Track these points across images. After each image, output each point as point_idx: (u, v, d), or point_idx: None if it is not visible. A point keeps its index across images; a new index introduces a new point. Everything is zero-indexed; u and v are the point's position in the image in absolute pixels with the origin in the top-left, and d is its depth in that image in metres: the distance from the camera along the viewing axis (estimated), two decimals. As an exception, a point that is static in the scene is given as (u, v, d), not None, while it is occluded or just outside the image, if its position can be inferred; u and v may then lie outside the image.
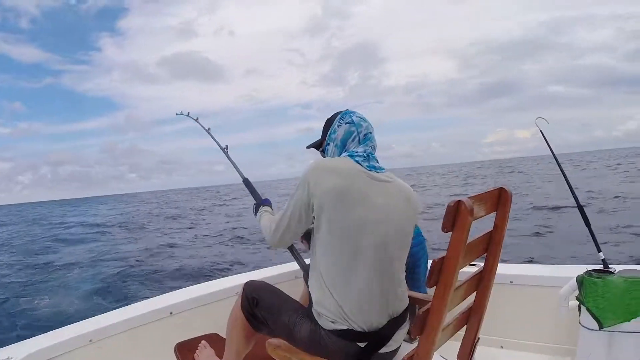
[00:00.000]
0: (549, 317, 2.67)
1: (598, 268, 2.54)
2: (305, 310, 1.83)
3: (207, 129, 3.05)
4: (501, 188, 1.57)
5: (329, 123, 1.93)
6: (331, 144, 1.88)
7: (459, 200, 1.28)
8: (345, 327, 1.65)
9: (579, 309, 2.46)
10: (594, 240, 2.68)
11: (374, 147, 1.84)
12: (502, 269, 2.85)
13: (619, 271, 2.44)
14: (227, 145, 2.92)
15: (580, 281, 2.43)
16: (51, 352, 2.29)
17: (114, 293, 10.53)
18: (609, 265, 2.55)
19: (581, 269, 2.54)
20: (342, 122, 1.85)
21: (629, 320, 2.27)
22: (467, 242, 1.43)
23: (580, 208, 2.77)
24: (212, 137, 3.00)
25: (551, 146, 2.97)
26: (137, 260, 14.60)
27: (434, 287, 1.33)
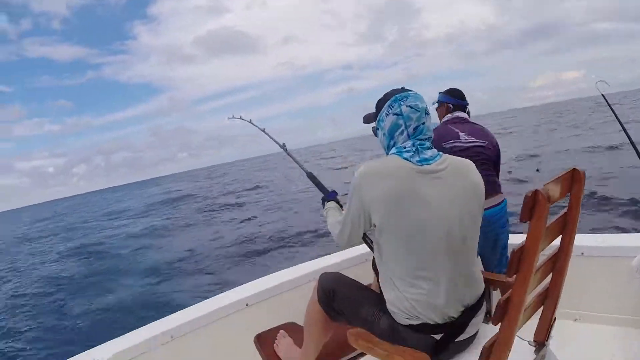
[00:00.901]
0: (623, 289, 2.62)
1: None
2: (381, 302, 1.83)
3: (262, 129, 3.04)
4: (574, 169, 1.54)
5: (380, 104, 1.84)
6: (380, 130, 1.82)
7: (537, 190, 1.27)
8: (419, 323, 1.67)
9: (655, 279, 2.41)
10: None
11: (426, 140, 1.74)
12: None
13: None
14: (284, 143, 2.92)
15: (655, 252, 2.37)
16: (134, 352, 2.38)
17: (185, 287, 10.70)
18: None
19: None
20: (390, 111, 1.75)
21: None
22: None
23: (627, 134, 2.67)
24: (270, 136, 2.99)
25: (612, 106, 2.88)
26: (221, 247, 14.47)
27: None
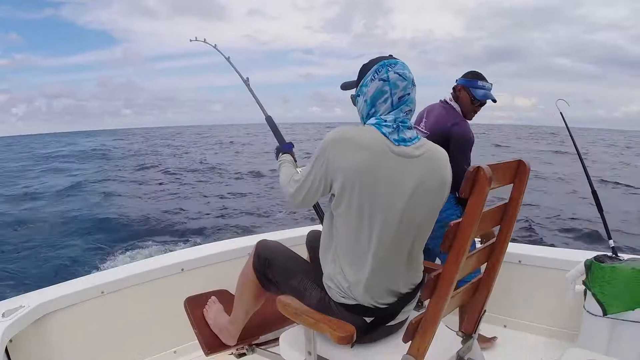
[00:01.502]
0: (554, 300, 2.69)
1: (608, 254, 2.54)
2: (316, 276, 1.82)
3: (226, 57, 2.90)
4: (520, 160, 1.56)
5: (364, 70, 1.70)
6: (361, 97, 1.69)
7: (478, 167, 1.28)
8: (354, 303, 1.65)
9: (585, 294, 2.47)
10: (605, 227, 2.68)
11: (410, 112, 1.65)
12: (511, 247, 2.85)
13: (628, 259, 2.44)
14: (248, 77, 2.77)
15: (589, 266, 2.44)
16: (63, 302, 2.35)
17: (119, 244, 10.49)
18: (619, 255, 2.55)
19: (591, 255, 2.55)
20: (376, 76, 1.62)
21: (633, 309, 2.28)
22: (483, 211, 1.45)
23: (594, 193, 2.76)
24: (233, 66, 2.87)
25: (569, 128, 2.97)
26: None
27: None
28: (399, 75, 1.61)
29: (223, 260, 2.88)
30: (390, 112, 1.62)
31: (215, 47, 2.96)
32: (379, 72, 1.62)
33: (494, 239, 1.68)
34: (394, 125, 1.59)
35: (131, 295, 2.58)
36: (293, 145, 2.30)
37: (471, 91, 2.81)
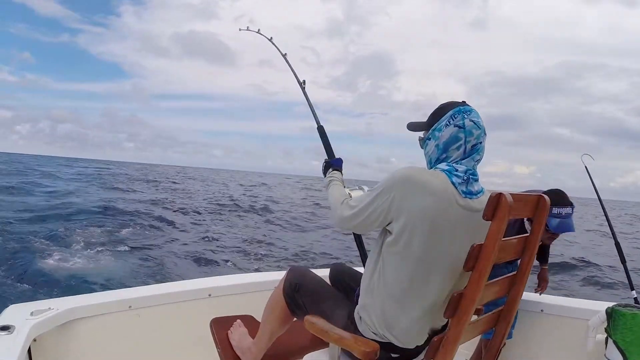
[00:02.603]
0: (576, 349, 2.68)
1: (629, 304, 2.56)
2: (347, 303, 1.86)
3: (283, 54, 2.82)
4: (540, 195, 1.65)
5: (438, 113, 1.68)
6: (432, 141, 1.67)
7: (500, 193, 1.38)
8: (384, 341, 1.65)
9: (606, 342, 2.48)
10: (628, 278, 2.71)
11: (479, 161, 1.65)
12: (533, 297, 2.89)
13: None
14: (304, 80, 2.70)
15: (610, 313, 2.45)
16: (91, 310, 2.42)
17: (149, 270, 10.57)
18: None
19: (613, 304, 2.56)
20: (451, 122, 1.61)
21: None
22: (505, 239, 1.54)
23: (617, 244, 2.81)
24: (289, 65, 2.79)
25: (594, 183, 3.04)
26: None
27: None
28: (474, 123, 1.60)
29: (251, 290, 2.93)
30: (462, 159, 1.61)
31: (270, 40, 2.86)
32: (455, 117, 1.61)
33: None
34: (465, 177, 1.57)
35: (157, 313, 2.64)
36: (341, 162, 2.23)
37: (547, 225, 2.44)
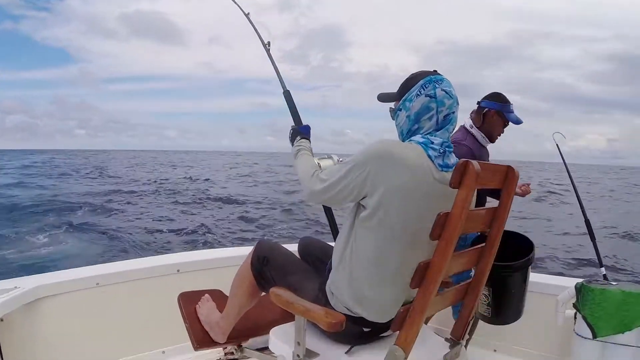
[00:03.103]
0: (545, 324, 2.71)
1: (598, 279, 2.58)
2: (316, 277, 1.85)
3: (246, 13, 2.73)
4: (508, 166, 1.64)
5: (408, 84, 1.65)
6: (403, 111, 1.64)
7: (467, 160, 1.36)
8: (357, 316, 1.65)
9: (575, 317, 2.50)
10: (597, 255, 2.73)
11: (453, 131, 1.65)
12: None
13: (618, 283, 2.48)
14: (269, 42, 2.62)
15: (579, 289, 2.47)
16: (57, 288, 2.40)
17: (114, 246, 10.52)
18: (610, 281, 2.59)
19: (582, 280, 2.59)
20: (422, 92, 1.59)
21: (622, 332, 2.30)
22: (473, 209, 1.52)
23: (587, 222, 2.83)
24: (253, 25, 2.70)
25: (565, 160, 3.06)
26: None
27: None
28: (446, 92, 1.59)
29: (219, 266, 2.92)
30: (435, 130, 1.60)
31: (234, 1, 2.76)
32: (426, 87, 1.59)
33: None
34: (441, 150, 1.56)
35: (125, 290, 2.62)
36: (309, 130, 2.15)
37: (505, 116, 2.85)
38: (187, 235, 12.28)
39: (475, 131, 2.87)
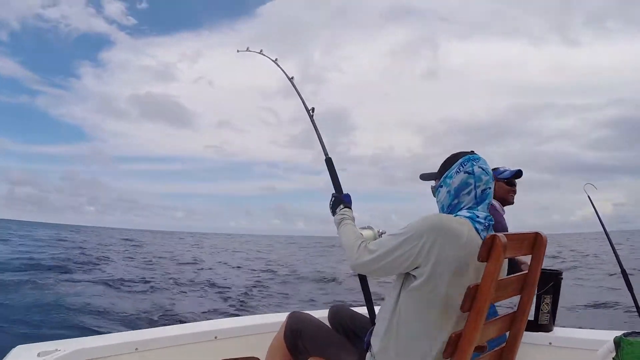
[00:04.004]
0: None
1: (637, 331, 2.55)
2: (351, 347, 1.88)
3: (290, 77, 2.70)
4: (537, 233, 1.68)
5: (448, 162, 1.78)
6: (444, 188, 1.74)
7: (494, 235, 1.42)
8: None
9: (616, 372, 2.46)
10: (636, 305, 2.70)
11: (489, 204, 1.73)
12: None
13: None
14: (313, 108, 2.56)
15: (618, 342, 2.44)
16: (97, 353, 2.42)
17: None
18: None
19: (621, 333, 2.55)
20: (461, 169, 1.70)
21: None
22: (503, 278, 1.57)
23: (624, 272, 2.81)
24: (296, 89, 2.65)
25: (598, 212, 3.05)
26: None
27: None
28: (483, 169, 1.70)
29: (256, 332, 2.91)
30: (475, 204, 1.69)
31: (275, 61, 2.78)
32: (464, 165, 1.71)
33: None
34: (486, 224, 1.64)
35: (163, 356, 2.63)
36: (350, 198, 2.15)
37: (499, 177, 2.97)
38: (224, 302, 12.27)
39: (494, 202, 2.94)
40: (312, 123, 2.50)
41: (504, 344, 1.79)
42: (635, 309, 2.70)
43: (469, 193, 1.68)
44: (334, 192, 2.21)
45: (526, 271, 1.73)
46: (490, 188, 1.71)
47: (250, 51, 2.80)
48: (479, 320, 1.43)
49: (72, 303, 10.47)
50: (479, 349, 1.69)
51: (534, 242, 1.69)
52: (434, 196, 1.83)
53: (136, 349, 2.54)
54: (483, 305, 1.42)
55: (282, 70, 2.71)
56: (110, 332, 2.79)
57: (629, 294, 2.77)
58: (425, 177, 1.93)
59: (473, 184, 1.68)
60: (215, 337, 2.77)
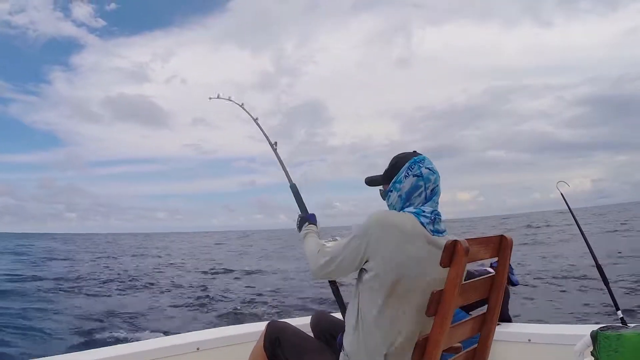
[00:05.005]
0: None
1: (613, 325, 2.59)
2: (329, 352, 1.92)
3: (255, 118, 2.90)
4: (502, 235, 1.73)
5: (396, 168, 1.84)
6: (395, 192, 1.82)
7: (456, 240, 1.47)
8: None
9: (594, 366, 2.50)
10: (612, 299, 2.75)
11: (438, 201, 1.81)
12: (519, 327, 2.93)
13: (634, 326, 2.49)
14: (276, 142, 2.77)
15: (595, 336, 2.48)
16: None
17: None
18: (628, 324, 2.60)
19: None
20: (409, 173, 1.78)
21: None
22: (468, 281, 1.61)
23: (599, 267, 2.86)
24: (261, 129, 2.86)
25: (571, 208, 3.11)
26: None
27: None
28: (430, 169, 1.79)
29: (239, 342, 2.92)
30: (425, 204, 1.77)
31: (242, 106, 2.96)
32: (412, 168, 1.79)
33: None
34: (432, 217, 1.73)
35: None
36: (315, 217, 2.31)
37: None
38: (207, 313, 12.26)
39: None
40: (277, 156, 2.72)
41: (475, 346, 1.83)
42: (612, 302, 2.75)
43: (420, 195, 1.77)
44: (299, 213, 2.37)
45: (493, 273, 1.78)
46: (437, 185, 1.80)
47: (220, 98, 2.99)
48: (444, 325, 1.47)
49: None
50: (453, 350, 1.74)
51: (500, 244, 1.74)
52: (384, 199, 1.92)
53: None
54: (447, 309, 1.47)
55: (248, 113, 2.92)
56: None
57: (605, 288, 2.82)
58: (371, 182, 2.00)
59: (423, 186, 1.77)
60: (198, 349, 2.78)
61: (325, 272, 1.87)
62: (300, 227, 2.26)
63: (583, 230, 3.00)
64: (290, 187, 2.58)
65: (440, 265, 1.49)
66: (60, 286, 16.85)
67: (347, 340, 1.78)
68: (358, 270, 1.77)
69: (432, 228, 1.71)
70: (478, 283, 1.71)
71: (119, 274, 20.85)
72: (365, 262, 1.70)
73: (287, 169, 2.67)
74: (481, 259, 1.66)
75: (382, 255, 1.65)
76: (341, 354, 1.80)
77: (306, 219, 2.28)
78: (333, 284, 2.23)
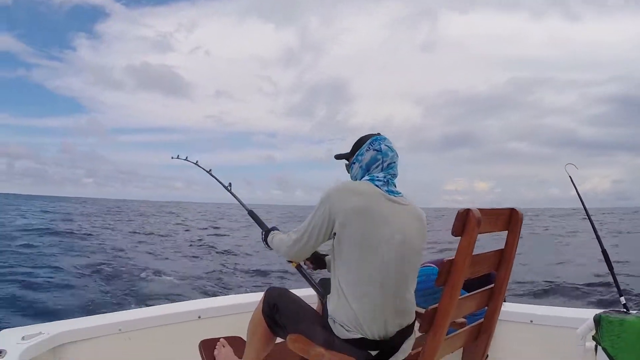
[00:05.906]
0: (567, 358, 2.69)
1: (617, 309, 2.57)
2: (322, 319, 1.91)
3: (208, 170, 3.13)
4: (512, 209, 1.69)
5: (359, 143, 2.04)
6: (356, 164, 2.01)
7: (468, 209, 1.43)
8: (359, 336, 1.75)
9: (595, 350, 2.48)
10: (616, 285, 2.71)
11: (394, 175, 1.96)
12: (522, 308, 2.91)
13: (637, 312, 2.47)
14: (230, 183, 3.01)
15: (598, 320, 2.46)
16: (81, 334, 2.44)
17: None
18: (631, 311, 2.57)
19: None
20: (370, 147, 1.97)
21: None
22: (478, 253, 1.58)
23: (604, 252, 2.82)
24: (215, 178, 3.10)
25: (580, 193, 3.06)
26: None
27: None
28: (389, 147, 1.98)
29: (240, 311, 2.93)
30: (380, 173, 1.93)
31: (196, 163, 3.20)
32: (373, 144, 1.98)
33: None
34: (385, 180, 1.89)
35: (147, 336, 2.66)
36: (278, 228, 2.45)
37: None
38: (208, 281, 12.29)
39: None
40: (233, 195, 2.96)
41: (480, 320, 1.81)
42: (616, 288, 2.72)
43: (377, 167, 1.94)
44: (262, 230, 2.51)
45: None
46: (394, 162, 1.97)
47: (189, 161, 3.22)
48: (454, 295, 1.44)
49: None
50: (458, 325, 1.72)
51: (510, 218, 1.70)
52: (348, 172, 2.09)
53: (120, 329, 2.56)
54: (457, 280, 1.44)
55: (217, 180, 3.09)
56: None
57: (610, 273, 2.78)
58: (339, 156, 2.18)
59: (381, 159, 1.94)
60: (199, 317, 2.81)
61: (298, 248, 1.98)
62: (266, 237, 2.39)
63: (590, 214, 2.96)
64: (249, 213, 2.79)
65: (452, 234, 1.46)
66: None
67: (331, 306, 1.83)
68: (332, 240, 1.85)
69: (386, 189, 1.86)
70: (489, 255, 1.68)
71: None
72: (333, 225, 1.80)
73: (241, 202, 2.91)
74: (492, 231, 1.62)
75: (345, 214, 1.76)
76: (329, 319, 1.83)
77: (270, 229, 2.43)
78: (299, 268, 2.40)
